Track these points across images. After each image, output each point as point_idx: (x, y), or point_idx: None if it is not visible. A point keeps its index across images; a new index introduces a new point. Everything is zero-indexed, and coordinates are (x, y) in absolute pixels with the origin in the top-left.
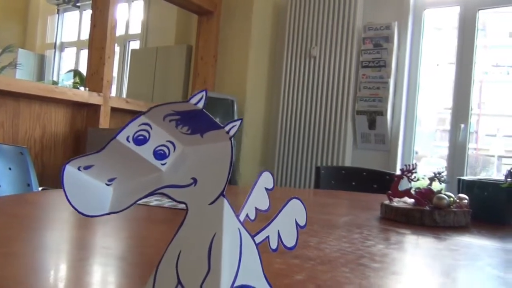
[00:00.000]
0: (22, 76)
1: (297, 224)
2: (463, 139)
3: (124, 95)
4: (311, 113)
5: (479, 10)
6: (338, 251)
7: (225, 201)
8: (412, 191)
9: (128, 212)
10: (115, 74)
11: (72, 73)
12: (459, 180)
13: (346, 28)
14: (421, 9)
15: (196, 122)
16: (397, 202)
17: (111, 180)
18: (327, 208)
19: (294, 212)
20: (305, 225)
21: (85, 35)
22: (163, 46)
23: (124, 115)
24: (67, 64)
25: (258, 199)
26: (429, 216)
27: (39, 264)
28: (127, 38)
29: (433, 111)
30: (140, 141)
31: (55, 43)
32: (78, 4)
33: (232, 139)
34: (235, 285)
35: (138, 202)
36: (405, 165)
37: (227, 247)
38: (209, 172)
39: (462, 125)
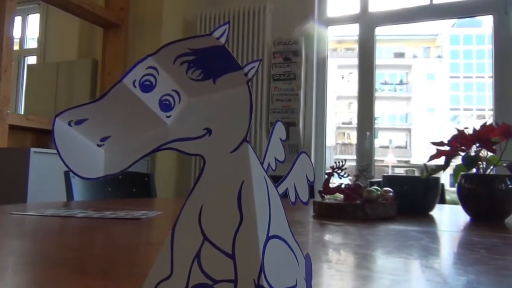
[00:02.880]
0: None
1: (307, 179)
2: (369, 146)
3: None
4: None
5: (376, 27)
6: None
7: (250, 147)
8: (343, 187)
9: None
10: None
11: None
12: (383, 176)
13: (256, 42)
14: (325, 26)
15: (212, 64)
16: (328, 199)
17: (104, 139)
18: None
19: (304, 166)
20: (313, 180)
21: None
22: (65, 61)
23: (24, 134)
24: None
25: (276, 150)
26: (361, 209)
27: None
28: (22, 53)
29: (332, 126)
30: (146, 87)
31: None
32: None
33: (249, 83)
34: (270, 234)
35: (93, 216)
36: (335, 162)
37: (259, 195)
38: (226, 120)
39: (368, 133)
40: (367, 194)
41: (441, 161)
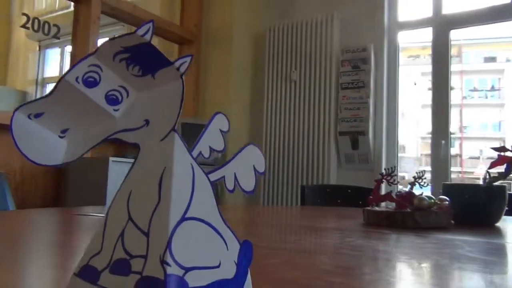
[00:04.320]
0: None
1: (256, 170)
2: (445, 156)
3: None
4: (294, 136)
5: (451, 30)
6: (316, 244)
7: (176, 136)
8: (393, 195)
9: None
10: None
11: None
12: (443, 184)
13: (324, 51)
14: (395, 31)
15: (145, 60)
16: (379, 207)
17: (64, 131)
18: (310, 218)
19: (252, 157)
20: (264, 171)
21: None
22: None
23: (107, 144)
24: None
25: (213, 139)
26: (411, 217)
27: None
28: None
29: (416, 136)
30: (90, 83)
31: (37, 79)
32: (58, 35)
33: (183, 77)
34: (187, 216)
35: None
36: (385, 169)
37: (178, 180)
38: (161, 112)
39: (443, 141)
40: (418, 202)
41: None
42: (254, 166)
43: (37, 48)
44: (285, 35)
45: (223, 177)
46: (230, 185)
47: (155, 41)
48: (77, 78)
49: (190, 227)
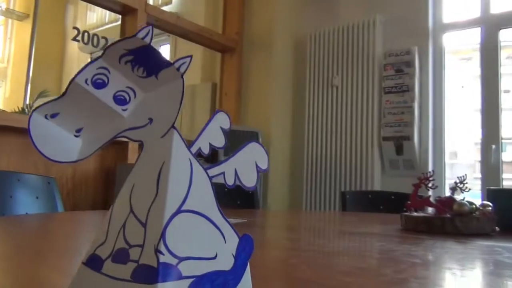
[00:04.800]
0: None
1: (258, 167)
2: (495, 162)
3: None
4: (337, 141)
5: (500, 29)
6: (343, 247)
7: (175, 133)
8: (432, 200)
9: None
10: None
11: None
12: (487, 190)
13: (366, 55)
14: (440, 33)
15: (148, 61)
16: (417, 213)
17: (79, 130)
18: (345, 223)
19: (254, 154)
20: (266, 168)
21: None
22: (189, 85)
23: None
24: None
25: (213, 136)
26: (451, 223)
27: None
28: None
29: (469, 142)
30: (99, 84)
31: None
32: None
33: (183, 76)
34: (183, 208)
35: None
36: (422, 173)
37: (175, 174)
38: (163, 110)
39: (494, 146)
40: (457, 207)
41: None
42: (256, 163)
43: (89, 60)
44: (326, 40)
45: (223, 173)
46: (230, 180)
47: (199, 50)
48: (86, 80)
49: (185, 219)
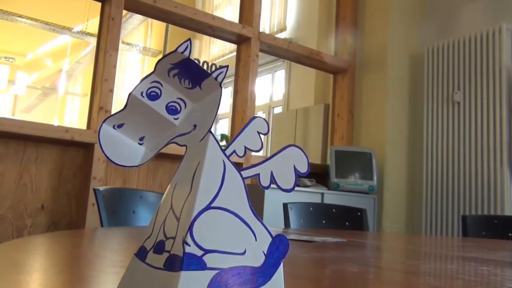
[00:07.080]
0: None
1: (297, 170)
2: None
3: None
4: (459, 161)
5: None
6: (434, 269)
7: (211, 136)
8: None
9: None
10: None
11: (220, 136)
12: None
13: (491, 68)
14: None
15: (192, 73)
16: None
17: (141, 138)
18: (455, 247)
19: (293, 158)
20: (306, 172)
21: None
22: (302, 107)
23: None
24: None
25: (250, 140)
26: None
27: None
28: (271, 105)
29: None
30: (153, 96)
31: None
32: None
33: (221, 85)
34: (213, 205)
35: None
36: None
37: (208, 173)
38: (205, 117)
39: None
40: None
41: None
42: (294, 166)
43: None
44: (445, 54)
45: (258, 174)
46: (265, 182)
47: (312, 73)
48: (142, 93)
49: (214, 215)
